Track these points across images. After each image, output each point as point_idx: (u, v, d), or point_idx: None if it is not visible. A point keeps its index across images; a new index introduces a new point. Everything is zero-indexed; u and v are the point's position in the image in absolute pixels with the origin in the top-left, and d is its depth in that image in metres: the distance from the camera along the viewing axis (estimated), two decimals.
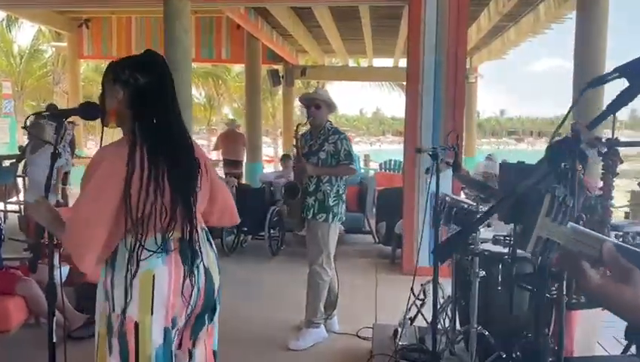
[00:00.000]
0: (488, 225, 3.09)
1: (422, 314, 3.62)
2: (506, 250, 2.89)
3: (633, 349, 2.73)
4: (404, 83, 21.40)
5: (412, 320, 3.62)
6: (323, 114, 3.97)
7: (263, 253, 6.46)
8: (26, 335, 3.67)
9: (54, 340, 2.04)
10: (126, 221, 1.76)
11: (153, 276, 1.79)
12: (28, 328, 3.77)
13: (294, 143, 4.01)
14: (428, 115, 5.60)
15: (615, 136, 2.30)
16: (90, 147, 17.41)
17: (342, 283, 4.40)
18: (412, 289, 3.66)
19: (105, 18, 11.72)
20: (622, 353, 2.78)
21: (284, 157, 7.92)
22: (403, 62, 12.77)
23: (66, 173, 7.42)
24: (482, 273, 2.81)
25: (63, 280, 4.11)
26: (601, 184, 3.01)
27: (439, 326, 3.52)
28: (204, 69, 22.73)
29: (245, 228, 6.43)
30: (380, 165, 11.40)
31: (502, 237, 2.82)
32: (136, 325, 1.79)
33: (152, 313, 1.79)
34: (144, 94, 1.83)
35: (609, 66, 5.60)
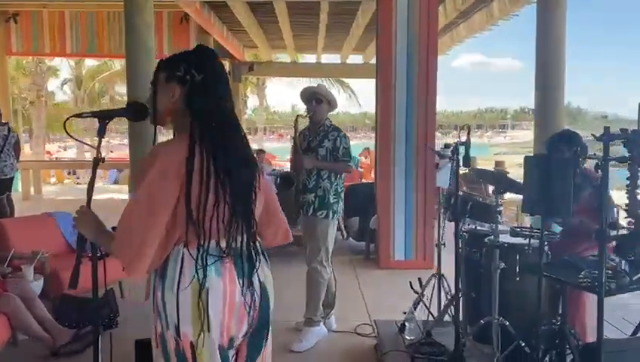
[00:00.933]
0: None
1: (427, 309, 3.65)
2: (522, 242, 2.97)
3: None
4: (346, 80, 21.07)
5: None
6: (323, 109, 3.91)
7: None
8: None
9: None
10: (187, 227, 1.63)
11: (207, 290, 1.63)
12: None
13: (293, 135, 3.94)
14: (401, 110, 5.66)
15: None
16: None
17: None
18: (413, 282, 3.66)
19: (35, 12, 11.00)
20: (632, 334, 2.94)
21: (259, 152, 7.75)
22: (353, 59, 12.87)
23: (10, 179, 6.93)
24: (502, 264, 2.86)
25: (38, 293, 3.91)
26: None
27: (447, 319, 3.61)
28: None
29: None
30: None
31: (519, 229, 2.89)
32: (192, 345, 1.65)
33: (208, 330, 1.64)
34: (202, 91, 1.71)
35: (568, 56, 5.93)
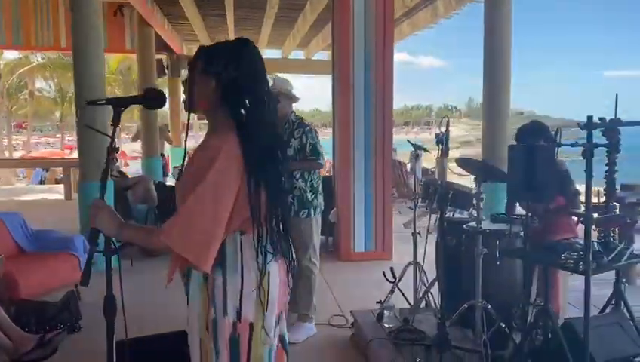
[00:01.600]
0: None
1: (404, 297, 3.75)
2: (502, 228, 3.11)
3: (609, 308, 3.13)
4: (286, 76, 20.93)
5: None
6: (283, 107, 3.77)
7: None
8: None
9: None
10: (253, 215, 1.67)
11: (269, 272, 1.71)
12: None
13: None
14: (359, 104, 5.75)
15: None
16: None
17: None
18: (386, 272, 3.74)
19: None
20: (600, 312, 3.15)
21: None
22: (296, 54, 12.83)
23: None
24: (485, 250, 2.99)
25: None
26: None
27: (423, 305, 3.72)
28: (63, 60, 20.83)
29: None
30: None
31: (499, 216, 3.02)
32: (251, 326, 1.71)
33: (265, 310, 1.71)
34: (237, 89, 1.71)
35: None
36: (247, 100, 1.72)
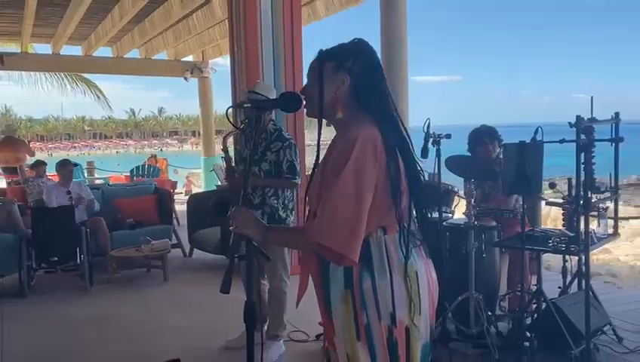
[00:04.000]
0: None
1: None
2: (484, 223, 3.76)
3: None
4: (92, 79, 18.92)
5: None
6: (267, 115, 3.85)
7: (75, 286, 5.96)
8: None
9: None
10: (387, 212, 1.83)
11: (416, 272, 1.84)
12: None
13: (223, 155, 4.00)
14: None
15: None
16: None
17: (208, 300, 5.15)
18: None
19: None
20: (563, 292, 3.97)
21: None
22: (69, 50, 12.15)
23: None
24: (477, 244, 3.60)
25: None
26: None
27: None
28: None
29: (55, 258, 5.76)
30: (132, 172, 11.12)
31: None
32: (407, 330, 1.83)
33: (420, 312, 1.85)
34: (368, 82, 1.92)
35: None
36: (376, 93, 1.92)
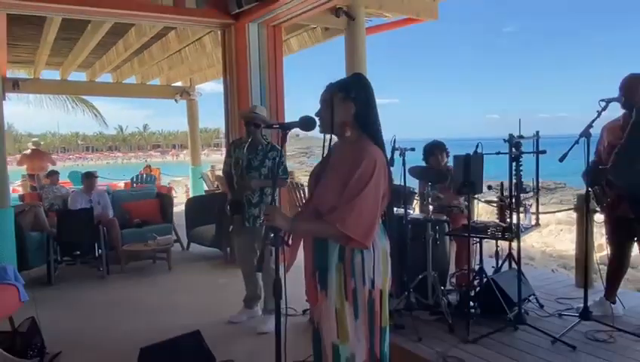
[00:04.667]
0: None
1: None
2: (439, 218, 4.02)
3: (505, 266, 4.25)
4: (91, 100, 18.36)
5: None
6: (261, 132, 4.18)
7: (93, 275, 5.97)
8: None
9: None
10: (389, 207, 2.13)
11: (386, 251, 2.16)
12: None
13: (241, 149, 4.20)
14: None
15: None
16: None
17: (208, 284, 5.37)
18: None
19: None
20: (497, 271, 4.25)
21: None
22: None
23: None
24: (433, 234, 3.85)
25: None
26: None
27: None
28: None
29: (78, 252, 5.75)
30: (132, 180, 11.02)
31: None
32: (381, 292, 2.12)
33: (389, 279, 2.17)
34: (367, 110, 2.16)
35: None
36: (372, 118, 2.16)
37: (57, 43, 8.40)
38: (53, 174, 8.83)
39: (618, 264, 3.81)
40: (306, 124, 2.16)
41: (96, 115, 22.35)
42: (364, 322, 2.12)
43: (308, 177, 2.56)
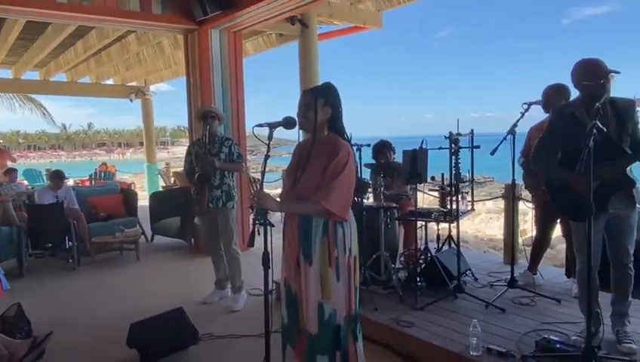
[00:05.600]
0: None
1: None
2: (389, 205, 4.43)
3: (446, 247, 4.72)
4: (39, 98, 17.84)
5: None
6: (217, 124, 4.53)
7: (63, 267, 6.01)
8: None
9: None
10: (359, 188, 2.49)
11: (355, 226, 2.56)
12: None
13: (200, 147, 4.47)
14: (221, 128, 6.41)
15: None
16: None
17: (176, 271, 5.52)
18: None
19: None
20: (438, 250, 4.72)
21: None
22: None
23: None
24: (386, 219, 4.26)
25: None
26: None
27: None
28: None
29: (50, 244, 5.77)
30: (91, 176, 10.85)
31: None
32: (355, 258, 2.51)
33: (359, 249, 2.57)
34: (339, 112, 2.54)
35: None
36: (341, 120, 2.54)
37: (15, 43, 8.25)
38: (12, 172, 8.67)
39: (541, 243, 4.36)
40: (288, 123, 2.48)
41: (44, 114, 21.52)
42: (345, 284, 2.48)
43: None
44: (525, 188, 4.38)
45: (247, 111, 6.77)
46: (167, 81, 12.51)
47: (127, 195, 7.50)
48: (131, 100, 12.60)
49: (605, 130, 2.60)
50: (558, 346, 2.86)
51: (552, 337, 2.97)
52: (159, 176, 12.33)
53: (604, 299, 3.12)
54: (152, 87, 12.98)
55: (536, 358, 2.82)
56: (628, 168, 2.81)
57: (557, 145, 2.94)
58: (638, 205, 2.88)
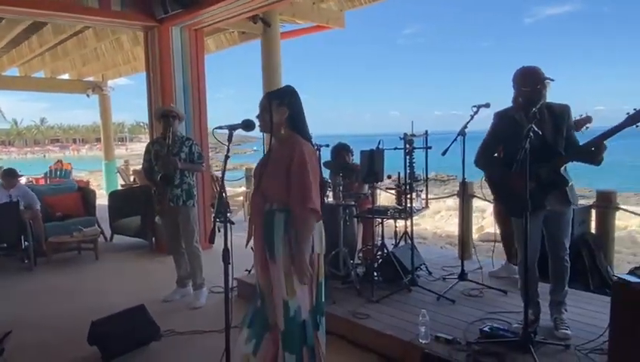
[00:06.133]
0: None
1: None
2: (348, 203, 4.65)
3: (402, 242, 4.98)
4: None
5: None
6: (177, 123, 4.64)
7: (18, 267, 5.97)
8: None
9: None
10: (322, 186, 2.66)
11: (321, 224, 2.68)
12: None
13: (161, 146, 4.56)
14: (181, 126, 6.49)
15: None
16: None
17: (137, 270, 5.55)
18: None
19: None
20: (395, 246, 4.98)
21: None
22: None
23: None
24: (344, 216, 4.48)
25: None
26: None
27: None
28: None
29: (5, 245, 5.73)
30: (46, 174, 10.65)
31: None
32: (318, 256, 2.65)
33: (323, 247, 2.72)
34: (298, 112, 2.70)
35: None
36: (303, 119, 2.68)
37: None
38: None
39: (505, 234, 4.65)
40: (247, 125, 2.65)
41: None
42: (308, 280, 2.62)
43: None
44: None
45: (210, 106, 6.86)
46: (127, 76, 12.41)
47: (86, 194, 7.48)
48: (88, 96, 12.44)
49: (541, 133, 2.88)
50: (500, 333, 3.13)
51: (495, 325, 3.25)
52: (118, 174, 12.21)
53: (544, 289, 3.42)
54: (110, 82, 12.83)
55: (480, 344, 3.09)
56: (562, 168, 3.10)
57: (498, 146, 3.21)
58: (572, 203, 3.18)
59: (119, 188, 10.86)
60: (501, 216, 4.61)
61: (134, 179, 11.06)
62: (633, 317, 2.55)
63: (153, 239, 6.81)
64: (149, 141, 5.36)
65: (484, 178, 4.17)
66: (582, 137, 3.21)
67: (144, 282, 5.44)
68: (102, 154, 13.23)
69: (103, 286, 5.31)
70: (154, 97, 6.64)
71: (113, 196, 7.54)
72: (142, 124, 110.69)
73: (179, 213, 4.58)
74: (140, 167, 5.29)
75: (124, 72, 11.87)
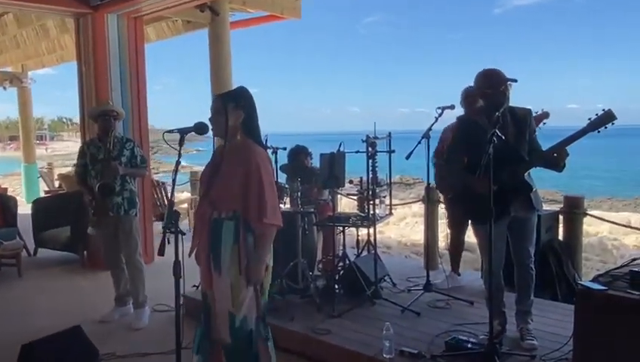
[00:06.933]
0: None
1: None
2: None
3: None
4: None
5: None
6: (117, 124, 4.72)
7: None
8: None
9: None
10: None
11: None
12: None
13: (98, 149, 4.60)
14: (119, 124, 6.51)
15: None
16: None
17: (66, 289, 5.54)
18: None
19: None
20: (358, 256, 5.20)
21: None
22: None
23: None
24: (303, 224, 4.66)
25: None
26: None
27: None
28: None
29: None
30: None
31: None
32: (267, 267, 2.84)
33: (274, 257, 2.92)
34: (252, 115, 2.88)
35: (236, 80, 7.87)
36: (257, 122, 2.88)
37: None
38: None
39: (456, 243, 4.97)
40: (200, 128, 2.80)
41: None
42: (254, 289, 2.81)
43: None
44: (437, 188, 4.96)
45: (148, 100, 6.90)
46: (54, 66, 12.20)
47: (4, 202, 7.34)
48: (5, 88, 12.14)
49: (504, 137, 3.16)
50: (465, 345, 3.39)
51: (460, 337, 3.52)
52: (40, 178, 11.95)
53: (510, 299, 3.71)
54: (30, 73, 12.57)
55: (445, 357, 3.34)
56: (526, 174, 3.40)
57: (461, 151, 3.49)
58: (536, 208, 3.49)
59: (42, 194, 10.65)
60: (454, 222, 4.92)
61: (60, 185, 10.86)
62: (596, 325, 2.84)
63: (85, 253, 6.77)
64: (82, 142, 5.37)
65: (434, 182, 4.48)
66: (540, 133, 3.54)
67: (76, 301, 5.43)
68: (20, 155, 12.90)
69: (29, 307, 5.27)
70: (86, 91, 6.61)
71: (37, 204, 7.42)
72: (65, 120, 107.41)
73: (119, 223, 4.62)
74: (68, 170, 5.30)
75: (49, 62, 11.68)
